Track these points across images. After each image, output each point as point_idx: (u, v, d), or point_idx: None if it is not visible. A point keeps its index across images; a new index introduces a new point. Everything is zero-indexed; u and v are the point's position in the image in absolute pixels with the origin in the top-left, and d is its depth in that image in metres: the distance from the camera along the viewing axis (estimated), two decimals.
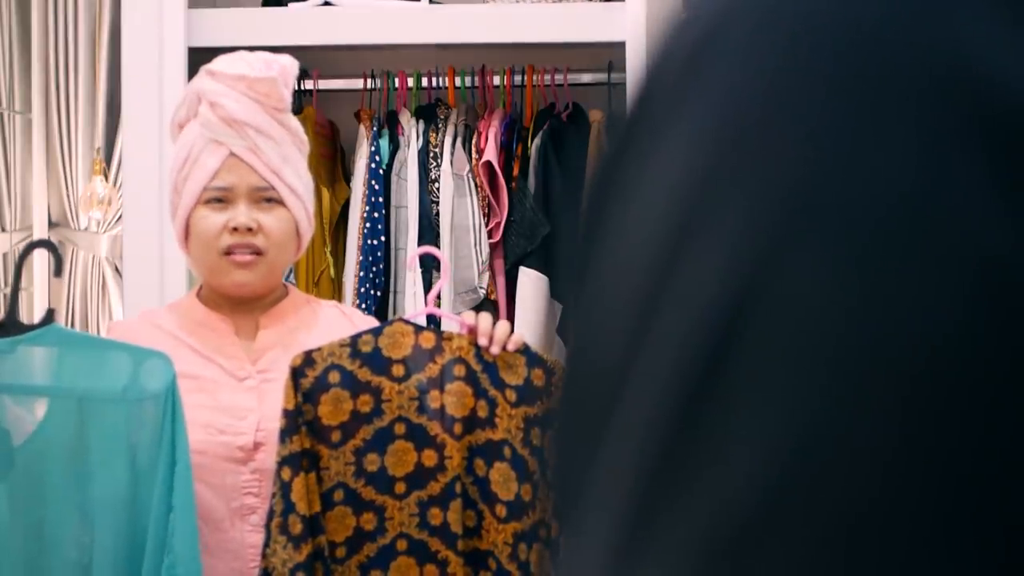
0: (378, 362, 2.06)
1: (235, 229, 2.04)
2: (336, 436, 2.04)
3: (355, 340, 2.06)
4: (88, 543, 1.93)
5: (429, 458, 2.06)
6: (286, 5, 3.32)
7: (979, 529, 0.28)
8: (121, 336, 2.16)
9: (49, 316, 2.02)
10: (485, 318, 2.11)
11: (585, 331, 0.35)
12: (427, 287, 3.25)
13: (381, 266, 3.26)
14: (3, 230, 5.13)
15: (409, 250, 3.25)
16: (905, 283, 0.29)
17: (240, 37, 3.21)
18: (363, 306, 3.19)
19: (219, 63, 2.10)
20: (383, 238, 3.26)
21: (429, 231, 3.26)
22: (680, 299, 0.31)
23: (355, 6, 3.27)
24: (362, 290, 3.24)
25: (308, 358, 2.03)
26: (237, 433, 2.03)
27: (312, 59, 3.45)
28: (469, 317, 2.11)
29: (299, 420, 2.01)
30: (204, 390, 2.07)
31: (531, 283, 3.21)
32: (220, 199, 2.06)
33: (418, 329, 2.09)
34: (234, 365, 2.09)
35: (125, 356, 1.97)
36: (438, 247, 3.24)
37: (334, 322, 2.18)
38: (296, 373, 2.02)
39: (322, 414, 2.03)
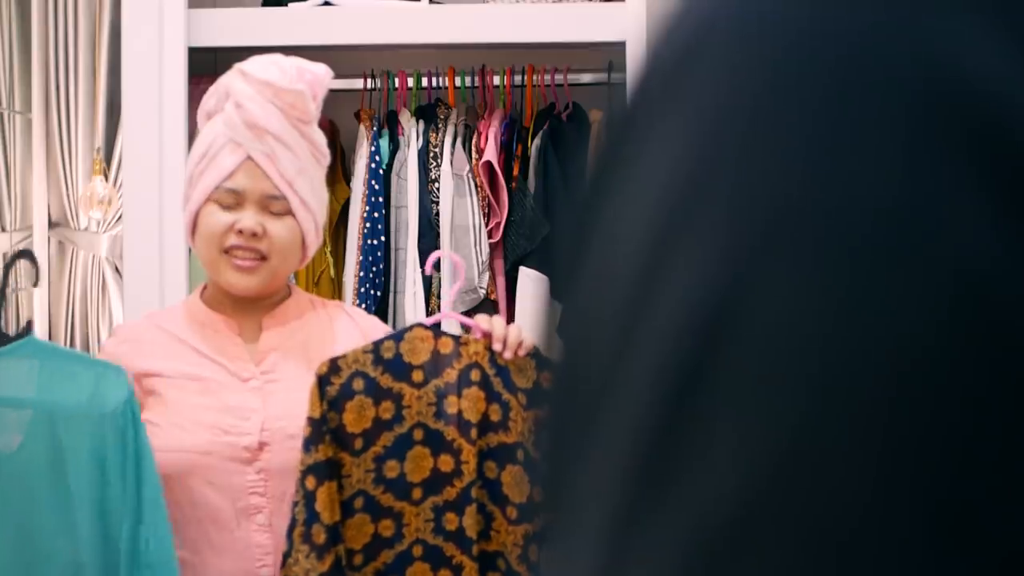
0: (399, 368, 2.06)
1: (240, 232, 2.05)
2: (359, 443, 2.04)
3: (378, 346, 2.07)
4: (75, 556, 1.92)
5: (446, 463, 2.06)
6: (286, 5, 3.31)
7: (961, 539, 0.28)
8: (125, 338, 2.16)
9: (27, 328, 2.01)
10: (499, 323, 2.11)
11: (573, 336, 0.36)
12: (427, 287, 3.25)
13: (381, 266, 3.26)
14: (3, 230, 5.13)
15: (409, 250, 3.25)
16: (886, 296, 0.29)
17: (240, 37, 3.21)
18: (363, 306, 3.19)
19: (252, 64, 2.10)
20: (383, 238, 3.26)
21: (429, 231, 3.26)
22: (662, 308, 0.31)
23: (355, 6, 3.27)
24: (362, 290, 3.24)
25: (334, 366, 2.03)
26: (242, 433, 2.03)
27: (312, 59, 3.43)
28: (484, 322, 2.11)
29: (324, 428, 2.01)
30: (208, 391, 2.07)
31: (531, 283, 3.21)
32: (231, 200, 2.06)
33: (437, 334, 2.10)
34: (238, 366, 2.10)
35: (88, 369, 1.96)
36: (438, 247, 3.24)
37: (337, 322, 2.18)
38: (322, 381, 2.02)
39: (346, 422, 2.03)
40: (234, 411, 2.06)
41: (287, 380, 2.09)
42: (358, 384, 2.03)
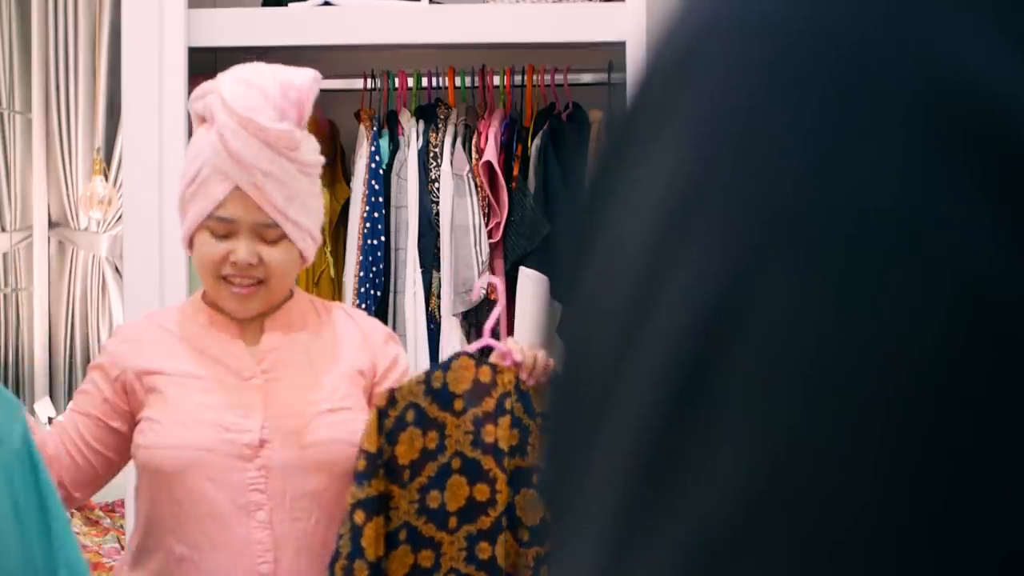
0: (444, 397, 2.08)
1: (235, 263, 2.05)
2: (407, 475, 2.05)
3: (429, 376, 2.08)
4: None
5: (481, 492, 2.07)
6: (286, 5, 3.31)
7: (961, 539, 0.28)
8: (126, 338, 2.16)
9: None
10: (531, 354, 2.12)
11: (575, 338, 0.35)
12: (427, 287, 3.25)
13: (381, 266, 3.26)
14: (3, 230, 5.12)
15: (409, 250, 3.25)
16: (883, 297, 0.29)
17: (240, 37, 3.21)
18: (363, 306, 3.19)
19: (233, 91, 2.02)
20: (383, 238, 3.26)
21: (429, 231, 3.26)
22: (663, 309, 0.31)
23: (355, 6, 3.27)
24: (362, 290, 3.24)
25: (391, 398, 2.04)
26: (243, 431, 2.04)
27: (312, 59, 3.44)
28: (517, 352, 2.11)
29: (379, 462, 2.02)
30: (210, 389, 2.07)
31: (531, 283, 3.21)
32: (223, 228, 2.05)
33: (478, 363, 2.11)
34: (239, 365, 2.10)
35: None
36: (438, 247, 3.24)
37: (338, 323, 2.19)
38: (381, 414, 2.03)
39: (398, 453, 2.05)
40: (235, 409, 2.06)
41: (288, 379, 2.10)
42: (410, 416, 2.05)
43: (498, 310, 2.27)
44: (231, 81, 2.05)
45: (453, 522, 2.06)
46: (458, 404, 2.08)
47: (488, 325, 2.21)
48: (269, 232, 2.05)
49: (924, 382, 0.28)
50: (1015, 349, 0.28)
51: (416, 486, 2.05)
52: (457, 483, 2.06)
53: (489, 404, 2.08)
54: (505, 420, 2.07)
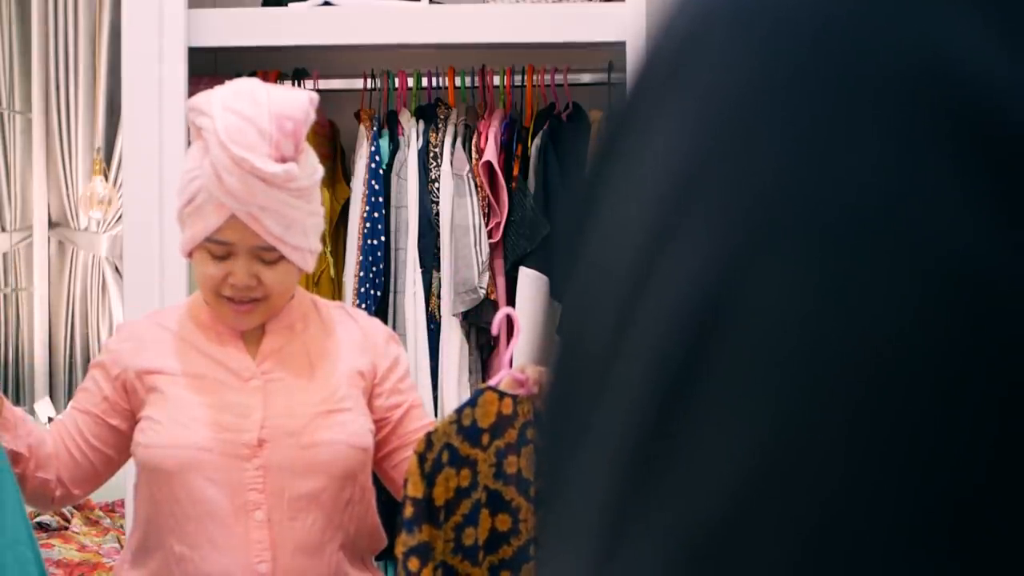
0: (473, 434, 2.09)
1: (234, 285, 2.05)
2: (442, 515, 2.06)
3: (459, 415, 2.09)
4: None
5: (502, 523, 2.08)
6: (286, 5, 3.32)
7: (951, 536, 0.28)
8: (128, 336, 2.17)
9: None
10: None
11: (569, 330, 0.35)
12: (427, 287, 3.25)
13: (381, 266, 3.26)
14: (3, 230, 5.12)
15: (409, 250, 3.25)
16: (871, 287, 0.29)
17: (240, 37, 3.21)
18: (363, 306, 3.19)
19: (228, 127, 1.98)
20: (383, 238, 3.26)
21: (429, 231, 3.26)
22: (654, 304, 0.31)
23: (355, 6, 3.27)
24: (362, 290, 3.24)
25: (428, 441, 2.05)
26: (242, 431, 2.04)
27: (312, 59, 3.45)
28: (534, 382, 2.11)
29: (424, 507, 2.03)
30: (210, 390, 2.08)
31: (531, 283, 3.21)
32: (221, 250, 2.04)
33: (501, 396, 2.12)
34: (239, 365, 2.10)
35: None
36: (438, 247, 3.24)
37: (339, 323, 2.19)
38: (421, 459, 2.04)
39: (436, 495, 2.06)
40: (234, 408, 2.06)
41: (288, 379, 2.10)
42: (445, 456, 2.06)
43: (514, 341, 2.26)
44: (225, 110, 2.00)
45: (480, 555, 2.08)
46: (485, 439, 2.10)
47: (505, 358, 2.21)
48: (267, 254, 2.05)
49: (913, 372, 0.28)
50: (1004, 338, 0.28)
51: (451, 525, 2.07)
52: (483, 516, 2.08)
53: (512, 435, 2.10)
54: (528, 450, 2.08)
